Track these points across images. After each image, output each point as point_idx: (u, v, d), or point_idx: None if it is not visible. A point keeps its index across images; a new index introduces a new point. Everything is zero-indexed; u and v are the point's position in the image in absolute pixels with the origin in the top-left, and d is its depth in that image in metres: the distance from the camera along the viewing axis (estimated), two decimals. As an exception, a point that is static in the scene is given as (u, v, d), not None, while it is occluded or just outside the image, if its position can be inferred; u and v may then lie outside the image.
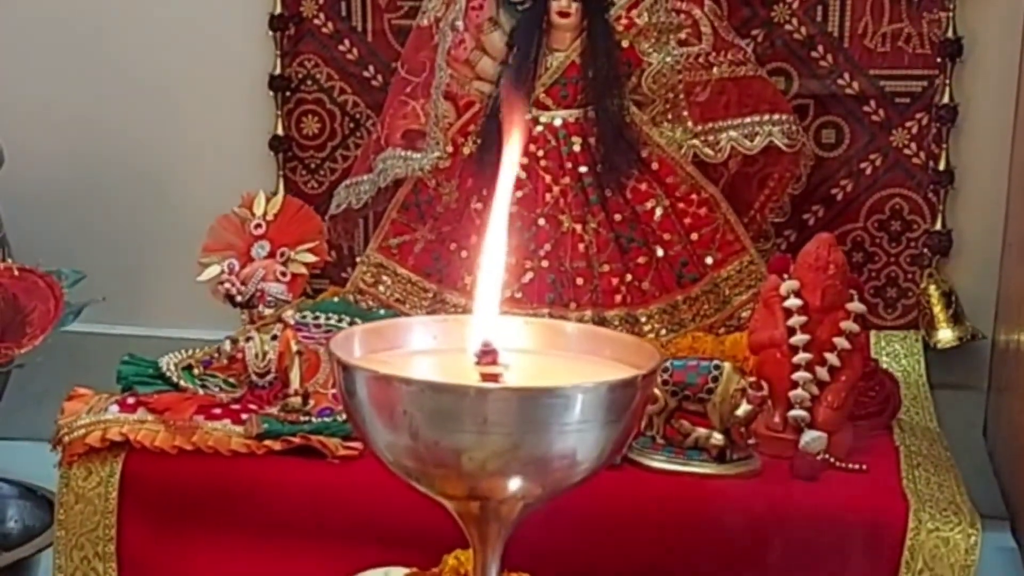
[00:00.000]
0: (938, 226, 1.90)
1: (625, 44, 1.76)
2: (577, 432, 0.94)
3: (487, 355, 0.98)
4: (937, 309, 1.86)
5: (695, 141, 1.77)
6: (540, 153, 1.74)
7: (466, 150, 1.77)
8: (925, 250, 1.90)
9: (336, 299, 1.72)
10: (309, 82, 2.02)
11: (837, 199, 1.92)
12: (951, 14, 1.86)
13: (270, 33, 2.00)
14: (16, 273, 1.27)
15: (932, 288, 1.88)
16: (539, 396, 0.94)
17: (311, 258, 1.51)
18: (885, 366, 1.73)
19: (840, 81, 1.91)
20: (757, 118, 1.77)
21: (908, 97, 1.90)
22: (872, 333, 1.82)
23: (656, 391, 1.35)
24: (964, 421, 1.78)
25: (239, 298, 1.43)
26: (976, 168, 1.87)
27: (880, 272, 1.91)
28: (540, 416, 0.93)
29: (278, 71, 2.01)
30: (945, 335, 1.84)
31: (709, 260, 1.74)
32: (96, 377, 1.50)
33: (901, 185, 1.92)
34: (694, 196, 1.74)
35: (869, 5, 1.89)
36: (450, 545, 1.18)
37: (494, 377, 0.98)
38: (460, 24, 1.77)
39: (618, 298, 1.72)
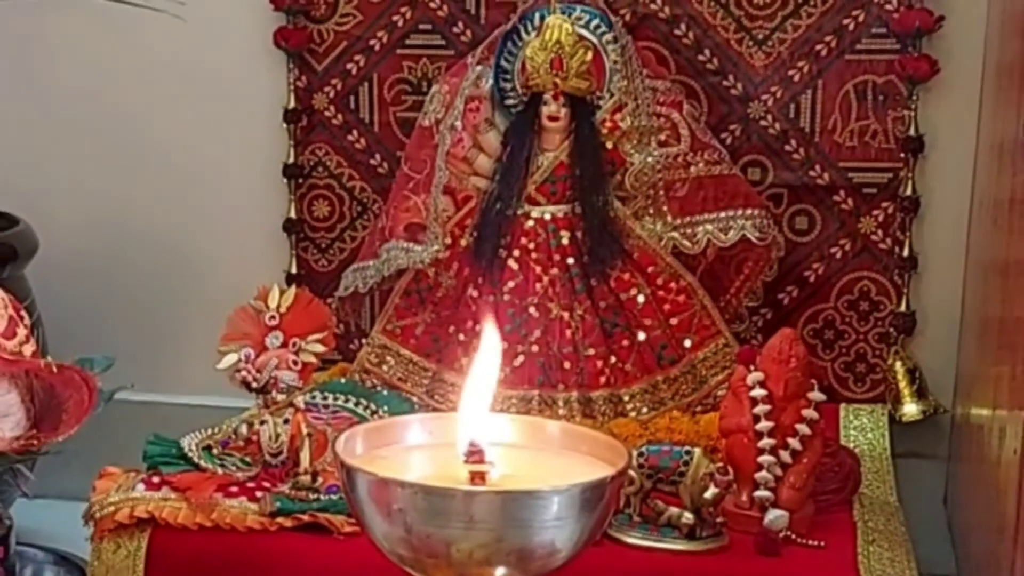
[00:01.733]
0: (903, 307, 1.96)
1: (609, 145, 1.81)
2: (555, 527, 1.04)
3: (474, 454, 1.07)
4: (903, 384, 1.93)
5: (674, 234, 1.82)
6: (531, 246, 1.80)
7: (463, 242, 1.82)
8: (891, 329, 1.96)
9: (343, 379, 1.79)
10: (320, 169, 2.08)
11: (809, 280, 1.98)
12: (913, 113, 1.92)
13: (284, 125, 2.06)
14: (55, 370, 1.35)
15: (898, 365, 1.94)
16: (520, 498, 1.04)
17: (320, 348, 1.58)
18: (853, 438, 1.81)
19: (812, 172, 1.97)
20: (731, 212, 1.83)
21: (875, 188, 1.96)
22: (842, 406, 1.90)
23: (633, 474, 1.43)
24: (926, 490, 1.86)
25: (254, 384, 1.51)
26: (937, 254, 1.94)
27: (850, 349, 1.98)
28: (521, 515, 1.03)
29: (291, 159, 2.07)
30: (910, 409, 1.90)
31: (687, 343, 1.79)
32: (122, 439, 1.60)
33: (869, 269, 1.98)
34: (673, 284, 1.80)
35: (838, 103, 1.95)
36: None
37: (481, 475, 1.07)
38: (458, 124, 1.84)
39: (602, 379, 1.77)
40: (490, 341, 1.16)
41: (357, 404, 1.71)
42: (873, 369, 1.97)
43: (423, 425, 1.18)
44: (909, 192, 1.94)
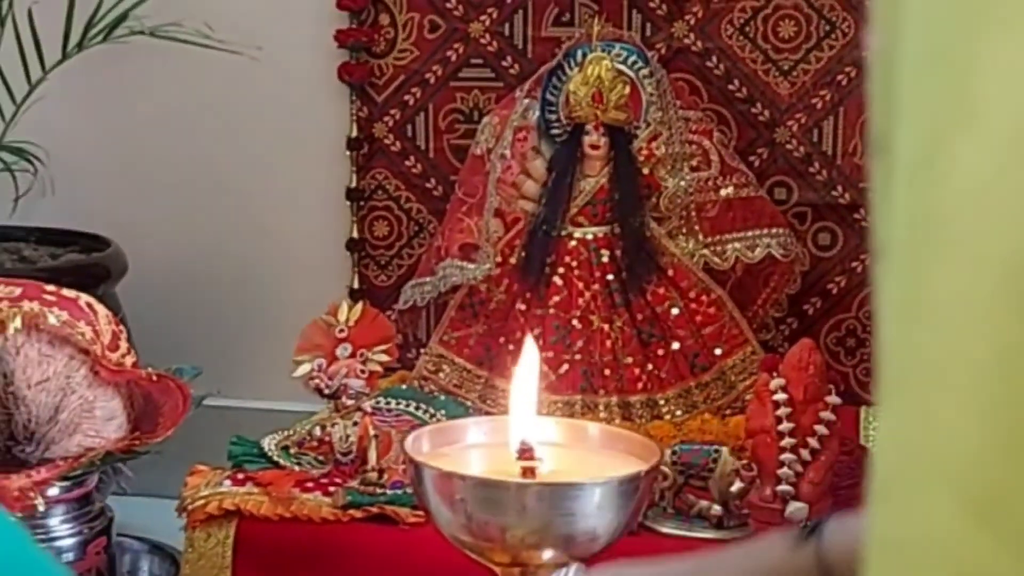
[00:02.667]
0: None
1: (646, 171, 1.91)
2: (595, 515, 1.16)
3: (525, 452, 1.19)
4: None
5: (705, 251, 1.92)
6: (574, 263, 1.90)
7: (512, 260, 1.92)
8: None
9: (404, 386, 1.90)
10: (380, 192, 2.19)
11: (832, 292, 2.07)
12: None
13: (347, 152, 2.17)
14: (154, 378, 1.49)
15: None
16: (565, 489, 1.17)
17: (385, 358, 1.70)
18: (872, 437, 1.89)
19: (834, 192, 2.06)
20: (758, 231, 1.92)
21: None
22: (862, 408, 1.95)
23: (667, 470, 1.56)
24: None
25: (326, 391, 1.65)
26: None
27: (869, 355, 2.03)
28: (566, 505, 1.16)
29: (354, 184, 2.18)
30: None
31: (717, 351, 1.89)
32: (208, 440, 1.72)
33: None
34: (704, 297, 1.90)
35: (857, 128, 2.03)
36: None
37: (531, 470, 1.19)
38: (508, 153, 1.93)
39: (640, 385, 1.87)
40: (530, 354, 1.30)
41: (417, 408, 1.82)
42: None
43: (480, 427, 1.31)
44: None
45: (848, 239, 2.06)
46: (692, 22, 2.06)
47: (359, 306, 1.75)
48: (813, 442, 1.57)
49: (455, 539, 1.19)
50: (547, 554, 1.17)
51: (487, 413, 1.82)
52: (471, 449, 1.27)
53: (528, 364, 1.28)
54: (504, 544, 1.16)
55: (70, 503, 1.62)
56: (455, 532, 1.18)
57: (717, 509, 1.54)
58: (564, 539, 1.17)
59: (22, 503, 1.51)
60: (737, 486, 1.54)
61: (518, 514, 1.15)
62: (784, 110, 2.06)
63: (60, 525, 1.63)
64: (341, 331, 1.70)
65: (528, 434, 1.21)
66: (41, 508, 1.49)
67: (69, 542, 1.64)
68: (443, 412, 1.81)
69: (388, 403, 1.81)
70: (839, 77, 2.04)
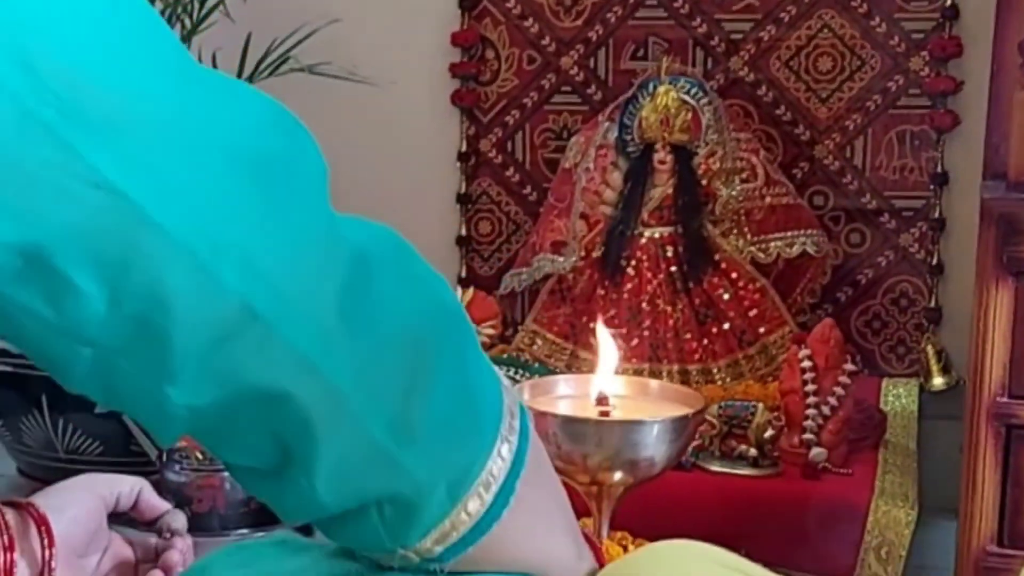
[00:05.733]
0: (932, 303, 2.22)
1: (704, 182, 2.05)
2: (653, 446, 1.31)
3: (602, 400, 1.36)
4: (932, 363, 2.18)
5: (752, 248, 2.06)
6: (644, 257, 2.05)
7: (594, 254, 2.08)
8: (924, 320, 2.23)
9: (505, 356, 2.08)
10: (484, 197, 2.37)
11: (861, 283, 2.25)
12: (940, 154, 2.18)
13: (457, 164, 2.36)
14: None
15: (929, 348, 2.18)
16: (631, 425, 1.31)
17: (492, 331, 1.94)
18: (891, 403, 2.09)
19: (863, 199, 2.23)
20: (796, 232, 2.07)
21: (911, 211, 2.22)
22: (884, 380, 2.17)
23: (715, 421, 1.79)
24: (949, 443, 2.07)
25: (442, 360, 1.89)
26: (959, 263, 2.17)
27: (892, 335, 2.25)
28: (631, 438, 1.30)
29: (463, 190, 2.37)
30: (938, 381, 2.16)
31: (761, 330, 2.04)
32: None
33: (906, 274, 2.23)
34: (751, 286, 2.04)
35: (883, 146, 2.21)
36: (579, 514, 1.26)
37: (606, 413, 1.34)
38: (591, 166, 2.10)
39: (696, 356, 2.02)
40: (607, 335, 1.44)
41: (515, 374, 1.98)
42: (910, 351, 2.23)
43: (567, 383, 1.43)
44: (937, 215, 2.20)
45: (874, 238, 2.24)
46: (746, 57, 2.26)
47: (471, 290, 1.98)
48: (832, 400, 1.76)
49: None
50: (617, 476, 1.30)
51: (572, 378, 2.01)
52: (560, 399, 1.40)
53: (606, 342, 1.42)
54: (585, 468, 1.29)
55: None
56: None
57: (753, 452, 1.75)
58: (630, 464, 1.30)
59: None
60: (770, 434, 1.76)
61: (595, 445, 1.28)
62: (822, 131, 2.23)
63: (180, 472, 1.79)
64: None
65: (604, 388, 1.37)
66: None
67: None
68: (536, 377, 2.02)
69: None
70: (868, 103, 2.22)
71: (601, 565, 0.95)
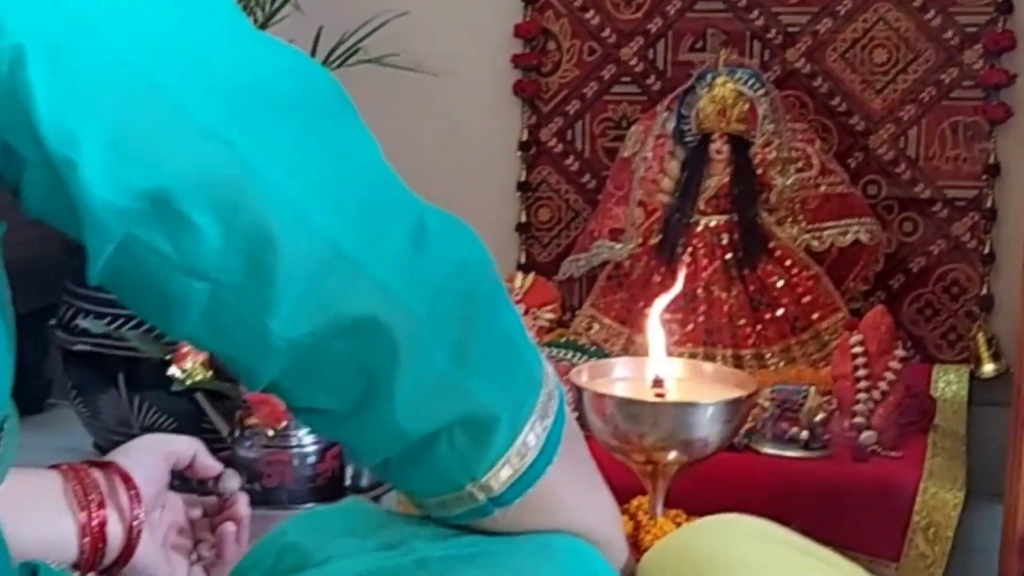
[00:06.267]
0: (984, 291, 2.22)
1: (760, 171, 2.07)
2: (707, 427, 1.35)
3: (658, 382, 1.40)
4: (983, 350, 2.19)
5: (806, 236, 2.07)
6: (700, 245, 2.07)
7: (651, 241, 2.11)
8: (975, 308, 2.23)
9: (563, 339, 2.10)
10: (544, 185, 2.41)
11: (913, 271, 2.26)
12: (993, 145, 2.19)
13: (518, 153, 2.40)
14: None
15: (980, 335, 2.20)
16: (685, 407, 1.36)
17: (551, 316, 1.98)
18: (941, 389, 2.10)
19: (916, 189, 2.25)
20: (849, 221, 2.09)
21: (964, 201, 2.23)
22: (936, 366, 2.18)
23: (767, 404, 1.82)
24: (998, 429, 2.05)
25: (505, 342, 1.93)
26: (1010, 252, 2.17)
27: (943, 323, 2.26)
28: (686, 419, 1.35)
29: (523, 178, 2.41)
30: (988, 368, 2.18)
31: (814, 316, 2.05)
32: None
33: (958, 262, 2.24)
34: (804, 273, 2.06)
35: (937, 137, 2.22)
36: (635, 493, 1.43)
37: (662, 395, 1.38)
38: (649, 155, 2.13)
39: (750, 341, 2.04)
40: (657, 319, 1.46)
41: (573, 356, 2.02)
42: (961, 338, 2.24)
43: (624, 365, 1.47)
44: (989, 205, 2.21)
45: (927, 227, 2.26)
46: (802, 49, 2.28)
47: (531, 276, 2.02)
48: (883, 385, 1.79)
49: (605, 443, 1.35)
50: (671, 455, 1.35)
51: (629, 362, 2.04)
52: (617, 381, 1.44)
53: (656, 322, 1.45)
54: (640, 447, 1.34)
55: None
56: (605, 438, 1.35)
57: (805, 435, 1.77)
58: (684, 444, 1.34)
59: (286, 415, 1.80)
60: (821, 417, 1.78)
61: (651, 425, 1.32)
62: (876, 121, 2.25)
63: (306, 436, 1.90)
64: (516, 296, 1.96)
65: (660, 370, 1.41)
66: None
67: (312, 448, 1.89)
68: (593, 360, 2.04)
69: (551, 352, 2.00)
70: (922, 95, 2.23)
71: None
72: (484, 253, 0.79)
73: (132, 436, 2.20)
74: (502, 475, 0.80)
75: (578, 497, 0.86)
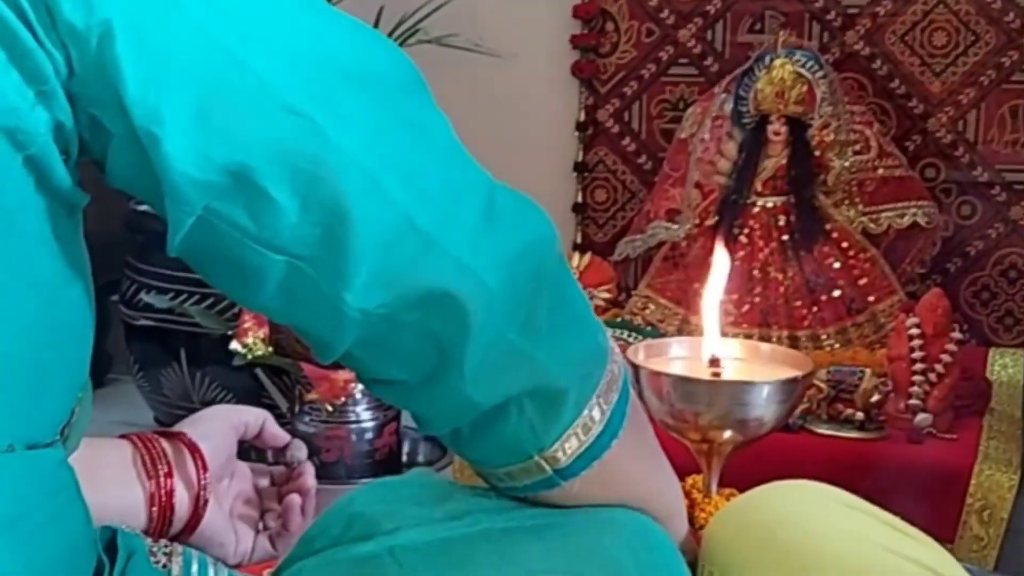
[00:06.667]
0: None
1: (817, 153, 2.08)
2: (763, 406, 1.32)
3: (714, 362, 1.38)
4: None
5: (863, 219, 2.08)
6: (756, 226, 2.08)
7: (708, 222, 2.12)
8: None
9: (618, 320, 2.13)
10: (600, 166, 2.43)
11: (971, 254, 2.27)
12: None
13: (575, 133, 2.41)
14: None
15: None
16: (741, 386, 1.33)
17: (607, 295, 2.00)
18: (997, 372, 2.10)
19: (974, 172, 2.25)
20: (907, 204, 2.09)
21: (1022, 185, 2.22)
22: (991, 350, 2.18)
23: (822, 385, 1.83)
24: None
25: (562, 320, 1.94)
26: None
27: (1000, 306, 2.27)
28: (742, 398, 1.31)
29: (580, 159, 2.42)
30: None
31: (870, 298, 2.06)
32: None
33: (1016, 245, 2.26)
34: (861, 255, 2.07)
35: (996, 120, 2.22)
36: (690, 471, 1.36)
37: (718, 374, 1.36)
38: (706, 137, 2.14)
39: (806, 323, 2.05)
40: (715, 292, 1.45)
41: (628, 336, 2.05)
42: (1018, 322, 2.26)
43: (680, 345, 1.45)
44: None
45: (985, 211, 2.26)
46: (861, 32, 2.28)
47: (588, 255, 2.04)
48: (939, 368, 1.80)
49: (661, 422, 1.31)
50: (727, 434, 1.32)
51: (684, 343, 2.05)
52: (674, 360, 1.42)
53: (713, 296, 1.42)
54: (696, 426, 1.31)
55: (371, 394, 1.85)
56: (662, 417, 1.32)
57: (860, 416, 1.79)
58: (739, 423, 1.31)
59: (345, 391, 1.83)
60: (876, 398, 1.80)
61: (707, 404, 1.29)
62: (935, 104, 2.25)
63: (364, 412, 1.92)
64: (573, 275, 1.95)
65: (716, 350, 1.38)
66: (357, 395, 1.80)
67: (371, 424, 1.92)
68: (649, 340, 2.06)
69: (608, 332, 2.00)
70: (981, 78, 2.23)
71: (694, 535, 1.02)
72: (551, 231, 0.81)
73: (192, 411, 2.24)
74: (568, 447, 0.81)
75: (641, 472, 0.88)
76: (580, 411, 0.81)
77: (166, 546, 0.83)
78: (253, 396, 2.13)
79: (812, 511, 0.91)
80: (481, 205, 0.76)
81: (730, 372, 1.39)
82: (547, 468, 0.83)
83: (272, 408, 2.01)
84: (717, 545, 0.96)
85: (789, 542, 0.88)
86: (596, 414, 0.81)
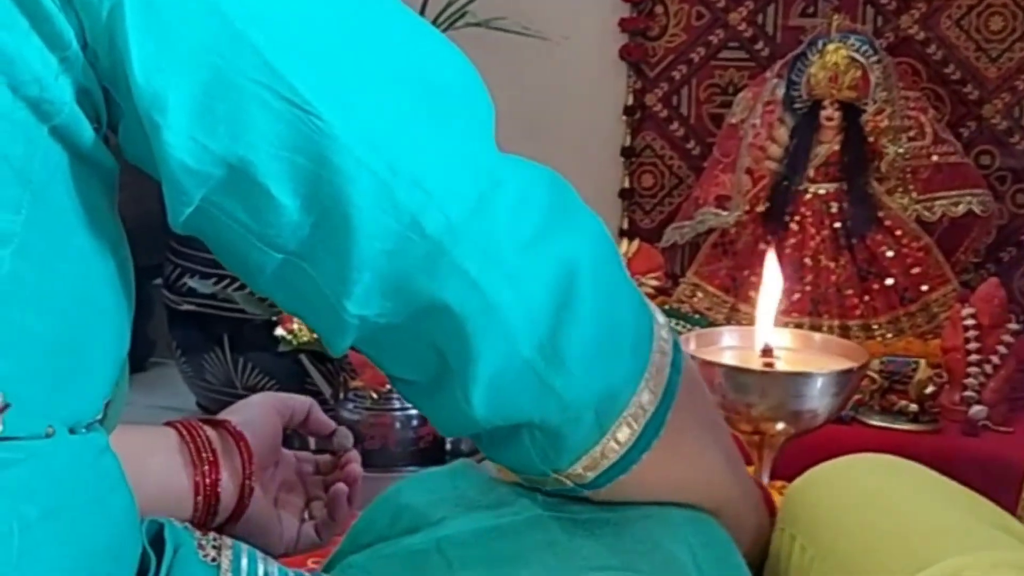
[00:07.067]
0: None
1: (871, 139, 2.04)
2: (816, 398, 1.32)
3: (766, 352, 1.38)
4: None
5: (917, 206, 2.05)
6: (808, 213, 2.06)
7: (758, 209, 2.10)
8: None
9: (666, 307, 2.10)
10: (648, 151, 2.41)
11: None
12: None
13: (623, 118, 2.40)
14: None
15: None
16: (796, 377, 1.34)
17: (655, 283, 1.98)
18: None
19: None
20: (962, 191, 2.06)
21: None
22: None
23: (875, 376, 1.80)
24: None
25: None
26: None
27: None
28: (795, 389, 1.32)
29: (627, 143, 2.41)
30: None
31: (924, 288, 2.03)
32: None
33: None
34: (915, 244, 2.04)
35: None
36: None
37: (771, 364, 1.37)
38: (758, 121, 2.11)
39: (857, 312, 2.02)
40: (773, 280, 1.46)
41: (676, 324, 2.02)
42: None
43: (732, 334, 1.45)
44: None
45: None
46: (916, 16, 2.25)
47: (636, 242, 2.02)
48: (995, 359, 1.78)
49: None
50: (779, 426, 1.33)
51: (733, 331, 2.04)
52: (725, 349, 1.42)
53: (771, 290, 1.45)
54: (748, 417, 1.32)
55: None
56: None
57: (914, 408, 1.77)
58: (792, 415, 1.32)
59: None
60: (930, 390, 1.78)
61: (760, 395, 1.30)
62: (991, 90, 2.22)
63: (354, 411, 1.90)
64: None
65: (768, 339, 1.39)
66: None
67: (415, 412, 1.89)
68: (697, 328, 2.04)
69: None
70: None
71: (769, 505, 1.00)
72: (593, 241, 0.76)
73: (236, 397, 2.24)
74: (586, 468, 0.78)
75: (682, 472, 0.84)
76: (600, 437, 0.77)
77: (215, 539, 0.82)
78: (297, 382, 2.13)
79: (906, 477, 0.92)
80: (506, 212, 0.71)
81: (783, 362, 1.38)
82: (567, 483, 0.80)
83: (316, 395, 2.02)
84: (802, 508, 0.94)
85: (885, 505, 0.88)
86: (623, 434, 0.78)
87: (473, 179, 0.71)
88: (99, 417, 0.71)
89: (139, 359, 2.70)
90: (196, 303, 2.25)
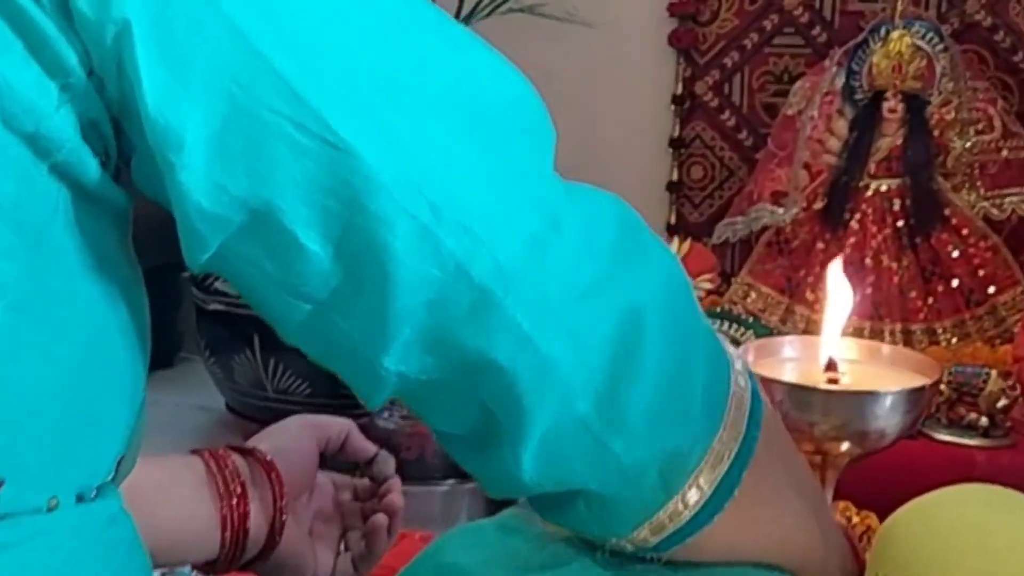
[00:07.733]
0: None
1: (936, 133, 2.01)
2: (885, 418, 1.25)
3: (830, 367, 1.31)
4: None
5: (985, 203, 2.01)
6: (869, 211, 2.02)
7: (816, 206, 2.07)
8: None
9: (718, 309, 2.07)
10: (697, 142, 2.38)
11: None
12: None
13: (672, 107, 2.38)
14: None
15: None
16: (862, 396, 1.26)
17: (708, 284, 1.94)
18: None
19: None
20: None
21: None
22: None
23: (943, 387, 1.74)
24: None
25: (659, 310, 1.88)
26: None
27: None
28: (862, 408, 1.25)
29: (676, 134, 2.38)
30: None
31: (991, 290, 1.99)
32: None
33: None
34: (982, 243, 2.00)
35: None
36: None
37: (835, 380, 1.30)
38: (815, 113, 2.08)
39: (921, 315, 1.99)
40: (841, 285, 1.47)
41: (728, 327, 2.00)
42: None
43: (792, 345, 1.39)
44: None
45: None
46: (983, 0, 2.20)
47: (688, 241, 1.98)
48: None
49: None
50: (844, 446, 1.25)
51: (786, 334, 1.91)
52: (786, 362, 1.36)
53: (840, 296, 1.35)
54: (811, 436, 1.24)
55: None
56: None
57: (984, 421, 1.71)
58: (859, 435, 1.25)
59: None
60: (1003, 403, 1.72)
61: (823, 414, 1.24)
62: None
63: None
64: None
65: (833, 351, 1.32)
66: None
67: None
68: (751, 332, 1.99)
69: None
70: None
71: (858, 558, 0.94)
72: (662, 281, 0.69)
73: (266, 399, 2.23)
74: (648, 534, 0.72)
75: (759, 531, 0.78)
76: (668, 499, 0.70)
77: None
78: (328, 386, 2.09)
79: (1008, 515, 0.83)
80: (565, 256, 0.64)
81: (849, 378, 1.30)
82: (627, 547, 0.74)
83: (349, 401, 1.97)
84: (898, 548, 0.89)
85: (1001, 545, 0.82)
86: (692, 496, 0.71)
87: (528, 219, 0.64)
88: (110, 477, 0.65)
89: (166, 354, 2.68)
90: (225, 302, 2.22)
